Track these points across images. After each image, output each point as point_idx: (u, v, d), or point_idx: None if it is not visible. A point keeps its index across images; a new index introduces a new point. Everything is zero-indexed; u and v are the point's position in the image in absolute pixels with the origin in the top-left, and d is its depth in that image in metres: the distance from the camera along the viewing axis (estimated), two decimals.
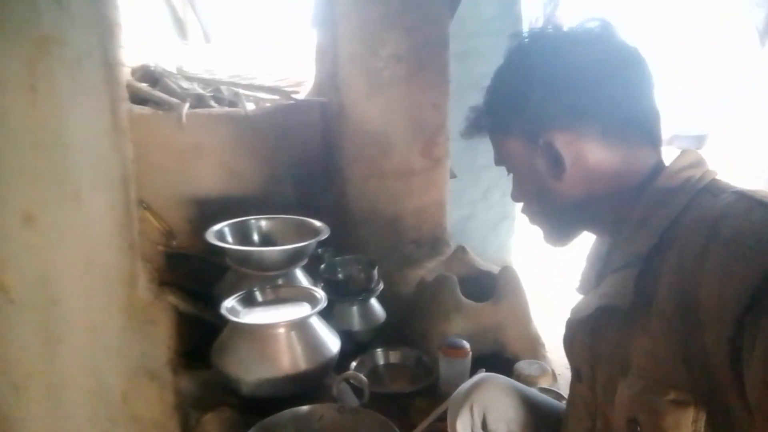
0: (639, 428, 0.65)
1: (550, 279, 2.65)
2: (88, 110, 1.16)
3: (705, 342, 0.57)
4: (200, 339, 1.54)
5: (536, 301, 1.79)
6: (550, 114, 0.72)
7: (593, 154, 0.72)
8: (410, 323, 1.73)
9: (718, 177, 0.69)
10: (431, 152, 1.94)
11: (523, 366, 1.49)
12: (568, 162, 0.73)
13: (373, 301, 1.73)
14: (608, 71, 0.71)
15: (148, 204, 1.79)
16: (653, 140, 0.73)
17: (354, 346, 1.63)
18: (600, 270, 0.79)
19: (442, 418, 1.19)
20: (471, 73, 2.25)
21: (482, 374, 1.04)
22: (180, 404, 1.33)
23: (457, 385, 1.46)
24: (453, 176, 2.05)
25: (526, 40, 0.76)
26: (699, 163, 0.71)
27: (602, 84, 0.71)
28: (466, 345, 1.48)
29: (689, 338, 0.59)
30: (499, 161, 0.84)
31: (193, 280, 1.78)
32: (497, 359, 1.62)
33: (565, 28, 0.74)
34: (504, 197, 2.39)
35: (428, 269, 1.83)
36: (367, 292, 1.70)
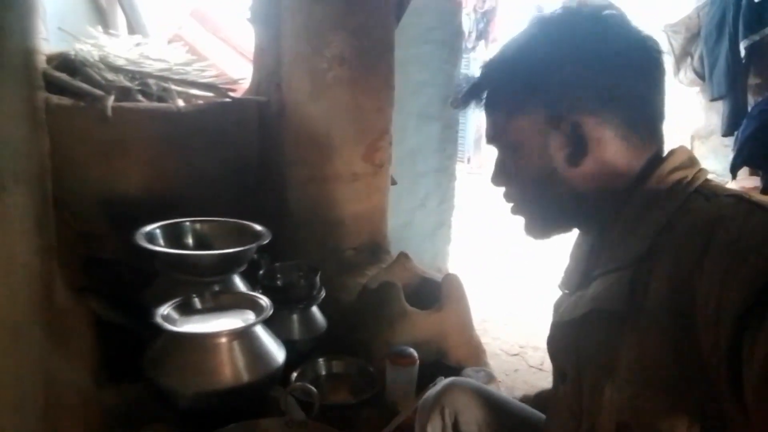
0: None
1: (487, 286, 2.69)
2: (4, 96, 1.03)
3: (701, 345, 0.57)
4: (126, 350, 1.41)
5: (474, 309, 1.80)
6: (579, 95, 0.70)
7: (612, 145, 0.71)
8: (353, 332, 1.68)
9: (708, 177, 0.70)
10: (374, 157, 1.91)
11: (470, 373, 1.49)
12: (590, 148, 0.70)
13: (314, 309, 1.67)
14: (638, 62, 0.70)
15: (66, 202, 1.63)
16: (658, 141, 0.73)
17: (294, 356, 1.55)
18: (585, 270, 0.77)
19: (401, 427, 1.15)
20: (411, 81, 2.27)
21: (450, 378, 1.02)
22: (107, 421, 1.20)
23: (404, 394, 1.44)
24: (394, 183, 2.03)
25: (557, 14, 0.72)
26: (690, 162, 0.71)
27: (632, 74, 0.69)
28: (414, 353, 1.46)
29: (683, 341, 0.59)
30: (495, 138, 0.79)
31: (116, 286, 1.64)
32: (441, 367, 1.60)
33: (597, 11, 0.71)
34: (441, 205, 2.40)
35: (369, 276, 1.79)
36: (308, 299, 1.64)
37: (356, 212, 1.91)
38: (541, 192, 0.76)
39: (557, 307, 0.83)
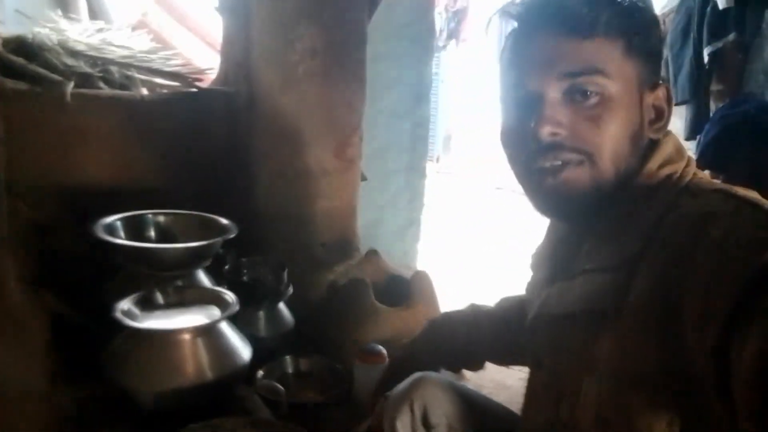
0: (608, 428, 0.64)
1: (455, 284, 2.69)
2: None
3: (686, 343, 0.56)
4: (84, 348, 1.34)
5: (443, 307, 1.79)
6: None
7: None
8: (321, 329, 1.65)
9: (695, 171, 0.69)
10: (344, 153, 1.88)
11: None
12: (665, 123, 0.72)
13: (282, 306, 1.63)
14: None
15: (21, 192, 1.55)
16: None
17: (261, 353, 1.51)
18: (566, 259, 0.76)
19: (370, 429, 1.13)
20: (383, 77, 2.25)
21: (418, 373, 1.00)
22: (61, 422, 1.14)
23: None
24: (364, 179, 2.00)
25: None
26: (678, 155, 0.70)
27: None
28: (383, 351, 1.43)
29: (668, 340, 0.58)
30: (590, 71, 0.67)
31: (73, 281, 1.56)
32: None
33: None
34: (411, 203, 2.39)
35: (338, 273, 1.76)
36: (275, 296, 1.60)
37: (326, 208, 1.88)
38: (623, 150, 0.68)
39: (531, 291, 0.82)
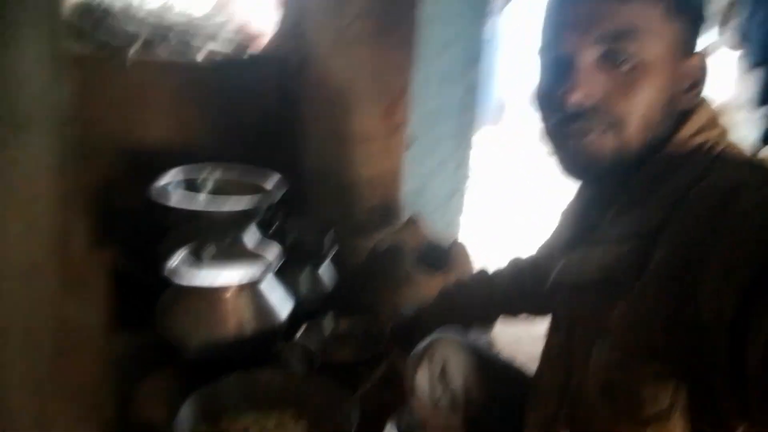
0: (614, 395, 0.64)
1: (495, 257, 2.67)
2: (28, 39, 1.04)
3: (702, 315, 0.54)
4: (139, 300, 1.46)
5: None
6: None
7: None
8: (359, 293, 1.71)
9: (730, 139, 0.66)
10: (392, 117, 1.89)
11: None
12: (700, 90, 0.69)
13: (323, 268, 1.69)
14: None
15: (87, 151, 1.67)
16: None
17: (301, 312, 1.59)
18: (592, 223, 0.75)
19: (389, 385, 1.19)
20: (434, 40, 2.20)
21: (438, 333, 1.04)
22: (115, 368, 1.25)
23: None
24: (412, 142, 2.01)
25: None
26: (712, 123, 0.67)
27: None
28: None
29: (684, 310, 0.56)
30: (626, 36, 0.64)
31: (133, 237, 1.68)
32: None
33: None
34: (457, 172, 2.37)
35: (379, 239, 1.80)
36: (318, 257, 1.66)
37: (371, 173, 1.91)
38: (654, 117, 0.66)
39: (552, 249, 0.84)
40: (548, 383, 0.80)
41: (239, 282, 1.26)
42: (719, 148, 0.65)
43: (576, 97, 0.65)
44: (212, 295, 1.24)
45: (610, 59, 0.65)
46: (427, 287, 1.63)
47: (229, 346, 1.22)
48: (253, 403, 1.14)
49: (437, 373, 0.97)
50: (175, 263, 1.29)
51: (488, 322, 1.14)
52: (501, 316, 1.13)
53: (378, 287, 1.65)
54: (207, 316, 1.23)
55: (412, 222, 1.78)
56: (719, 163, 0.63)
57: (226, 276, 1.30)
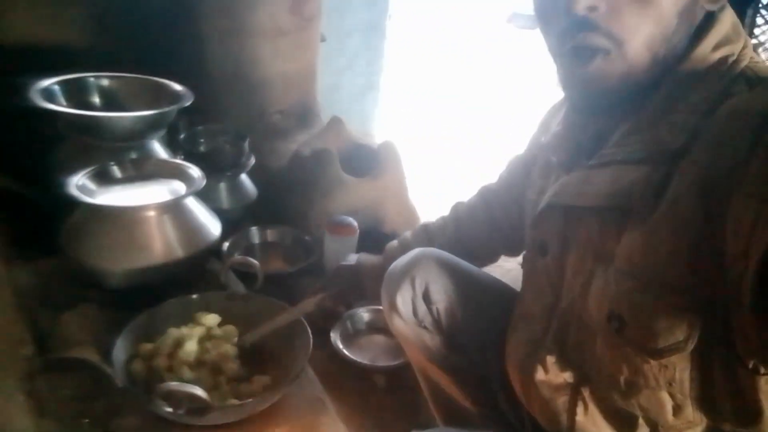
0: (622, 325, 0.62)
1: (413, 154, 2.64)
2: None
3: (726, 250, 0.52)
4: (32, 223, 1.26)
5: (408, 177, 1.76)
6: None
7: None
8: (285, 200, 1.61)
9: (752, 54, 0.62)
10: (302, 9, 1.72)
11: None
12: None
13: (243, 177, 1.57)
14: None
15: None
16: None
17: (224, 225, 1.47)
18: (592, 145, 0.70)
19: (332, 295, 1.15)
20: None
21: (420, 249, 0.99)
22: (22, 301, 1.09)
23: None
24: (322, 39, 1.86)
25: None
26: (735, 34, 0.63)
27: None
28: (354, 223, 1.43)
29: (703, 244, 0.54)
30: None
31: (10, 149, 1.42)
32: (376, 234, 1.59)
33: None
34: (370, 65, 2.26)
35: (301, 142, 1.69)
36: (236, 167, 1.53)
37: (284, 72, 1.75)
38: (669, 28, 0.61)
39: (543, 175, 0.80)
40: (532, 306, 0.79)
41: (163, 200, 1.12)
42: (743, 63, 0.61)
43: (584, 2, 0.59)
44: (134, 216, 1.09)
45: None
46: (358, 191, 1.58)
47: (158, 271, 1.10)
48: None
49: (421, 293, 0.93)
50: (82, 181, 1.11)
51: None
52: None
53: (305, 193, 1.57)
54: (130, 239, 1.08)
55: (335, 122, 1.68)
56: (743, 81, 0.59)
57: (147, 194, 1.15)
